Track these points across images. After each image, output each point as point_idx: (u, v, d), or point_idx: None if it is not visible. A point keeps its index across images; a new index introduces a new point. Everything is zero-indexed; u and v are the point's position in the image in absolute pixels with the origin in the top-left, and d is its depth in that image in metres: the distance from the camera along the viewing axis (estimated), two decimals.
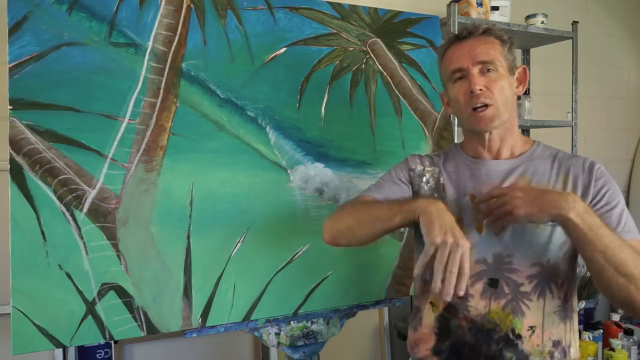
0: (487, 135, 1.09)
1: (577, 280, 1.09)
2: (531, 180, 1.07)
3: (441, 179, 1.15)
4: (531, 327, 1.03)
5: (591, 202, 1.03)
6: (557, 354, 1.04)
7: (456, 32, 1.10)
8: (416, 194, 1.17)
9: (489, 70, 1.05)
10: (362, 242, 1.11)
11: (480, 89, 1.04)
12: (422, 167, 1.18)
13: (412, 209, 0.99)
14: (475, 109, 1.06)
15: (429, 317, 1.13)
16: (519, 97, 2.34)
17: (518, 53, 2.52)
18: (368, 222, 1.07)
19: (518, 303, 1.04)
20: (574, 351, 1.07)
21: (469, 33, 1.08)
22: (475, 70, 1.05)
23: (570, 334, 1.07)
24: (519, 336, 1.03)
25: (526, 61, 2.52)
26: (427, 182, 1.16)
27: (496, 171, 1.10)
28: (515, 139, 1.12)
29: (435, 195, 1.14)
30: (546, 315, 1.04)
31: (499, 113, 1.06)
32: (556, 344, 1.05)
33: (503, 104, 1.06)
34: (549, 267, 1.03)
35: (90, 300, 1.19)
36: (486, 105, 1.05)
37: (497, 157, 1.11)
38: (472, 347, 1.06)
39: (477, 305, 1.06)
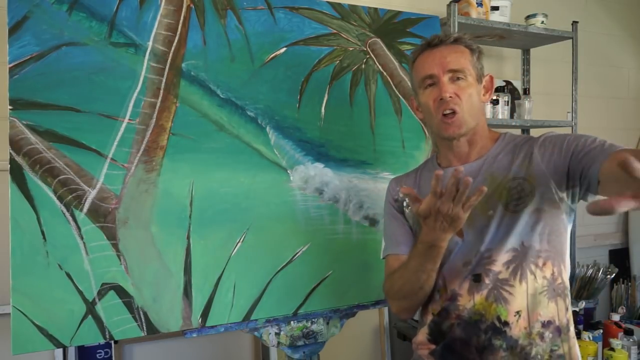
0: (454, 142, 1.12)
1: (567, 257, 1.10)
2: (494, 177, 1.10)
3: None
4: (517, 312, 1.04)
5: (541, 159, 1.05)
6: (548, 334, 1.05)
7: (429, 39, 1.13)
8: (407, 220, 1.22)
9: (458, 78, 1.08)
10: (425, 293, 1.14)
11: (450, 96, 1.07)
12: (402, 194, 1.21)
13: (422, 244, 1.06)
14: (445, 115, 1.09)
15: (430, 320, 1.17)
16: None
17: (518, 53, 2.52)
18: (414, 285, 1.11)
19: (499, 291, 1.06)
20: (572, 329, 1.09)
21: (440, 41, 1.10)
22: (445, 78, 1.08)
23: (564, 312, 1.08)
24: (505, 323, 1.05)
25: (526, 61, 2.52)
26: (408, 205, 1.21)
27: (466, 174, 1.12)
28: (485, 140, 1.14)
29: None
30: (531, 298, 1.05)
31: (465, 121, 1.09)
32: (546, 324, 1.05)
33: (469, 112, 1.09)
34: (523, 249, 1.05)
35: (90, 300, 1.19)
36: (454, 112, 1.08)
37: (466, 161, 1.14)
38: (462, 340, 1.09)
39: (465, 303, 1.09)
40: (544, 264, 1.05)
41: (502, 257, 1.06)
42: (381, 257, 1.25)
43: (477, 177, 1.11)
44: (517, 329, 1.05)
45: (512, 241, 1.06)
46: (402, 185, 1.23)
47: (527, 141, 1.11)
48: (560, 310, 1.07)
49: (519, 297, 1.05)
